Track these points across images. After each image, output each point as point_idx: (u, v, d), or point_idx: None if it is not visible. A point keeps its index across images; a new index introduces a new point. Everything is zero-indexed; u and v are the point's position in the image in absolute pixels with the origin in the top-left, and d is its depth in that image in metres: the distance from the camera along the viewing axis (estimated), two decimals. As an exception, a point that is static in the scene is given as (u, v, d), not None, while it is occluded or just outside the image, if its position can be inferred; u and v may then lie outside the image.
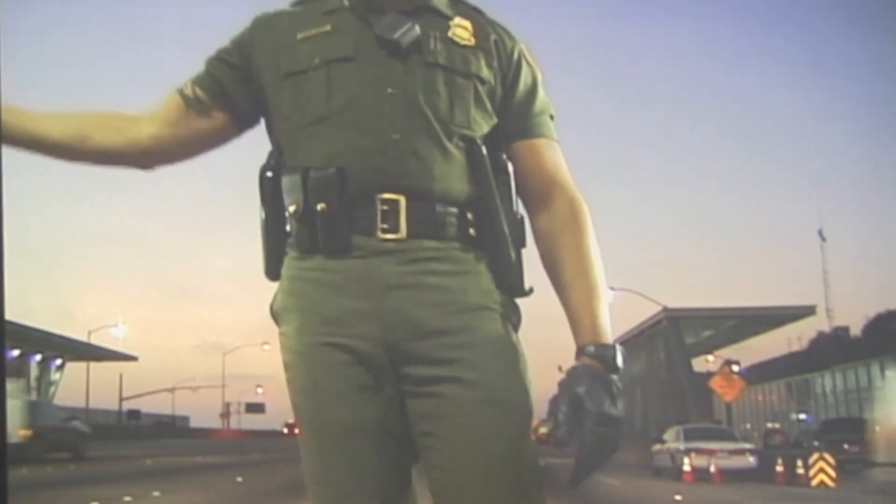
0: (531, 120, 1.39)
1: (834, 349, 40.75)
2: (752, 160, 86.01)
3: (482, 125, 1.34)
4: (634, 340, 44.75)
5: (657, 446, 20.49)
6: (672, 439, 19.86)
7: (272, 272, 1.40)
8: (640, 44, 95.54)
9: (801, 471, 15.88)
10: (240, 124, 1.42)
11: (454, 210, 1.31)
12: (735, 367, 25.72)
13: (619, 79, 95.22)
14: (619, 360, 1.26)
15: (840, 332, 49.05)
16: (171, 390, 55.97)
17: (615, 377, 1.25)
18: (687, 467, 17.89)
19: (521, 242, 1.37)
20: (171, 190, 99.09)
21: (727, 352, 40.60)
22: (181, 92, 1.39)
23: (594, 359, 1.26)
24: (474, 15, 1.40)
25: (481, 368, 1.26)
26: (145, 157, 1.40)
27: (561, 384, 1.25)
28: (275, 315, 1.37)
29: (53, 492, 11.21)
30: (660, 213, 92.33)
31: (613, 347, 1.27)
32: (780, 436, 26.70)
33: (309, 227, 1.29)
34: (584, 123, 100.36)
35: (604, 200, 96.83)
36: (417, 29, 1.32)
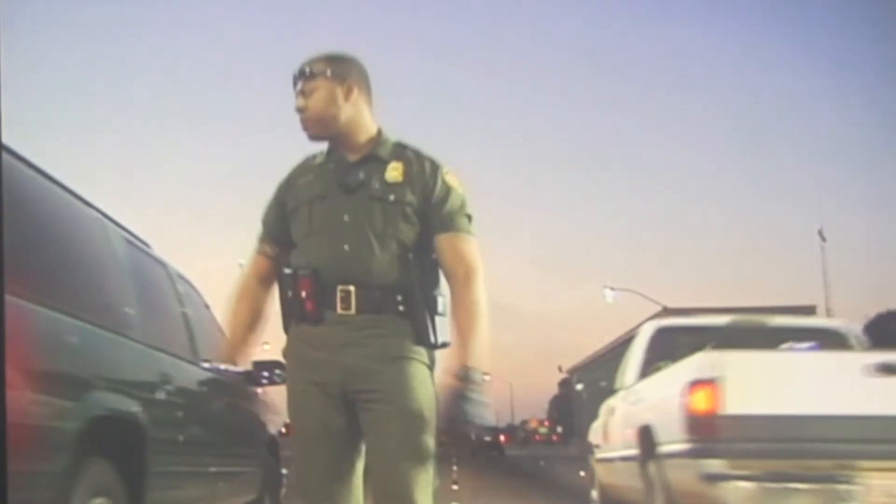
0: (447, 220, 2.05)
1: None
2: (753, 160, 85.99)
3: (408, 234, 2.03)
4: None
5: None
6: (672, 439, 19.73)
7: (286, 330, 2.11)
8: (640, 44, 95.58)
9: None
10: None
11: (387, 293, 1.99)
12: (735, 367, 25.54)
13: (619, 78, 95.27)
14: (477, 378, 1.94)
15: (840, 332, 48.89)
16: (171, 390, 55.68)
17: (475, 389, 1.93)
18: (687, 467, 17.79)
19: (435, 312, 2.04)
20: (172, 190, 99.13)
21: (727, 352, 40.38)
22: (257, 252, 2.21)
23: (459, 378, 1.94)
24: (408, 155, 2.09)
25: (395, 393, 1.97)
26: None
27: (447, 399, 1.94)
28: (284, 356, 2.12)
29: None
30: (660, 213, 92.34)
31: (474, 368, 1.95)
32: None
33: (298, 306, 2.04)
34: (585, 123, 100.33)
35: (604, 200, 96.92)
36: (362, 174, 2.05)
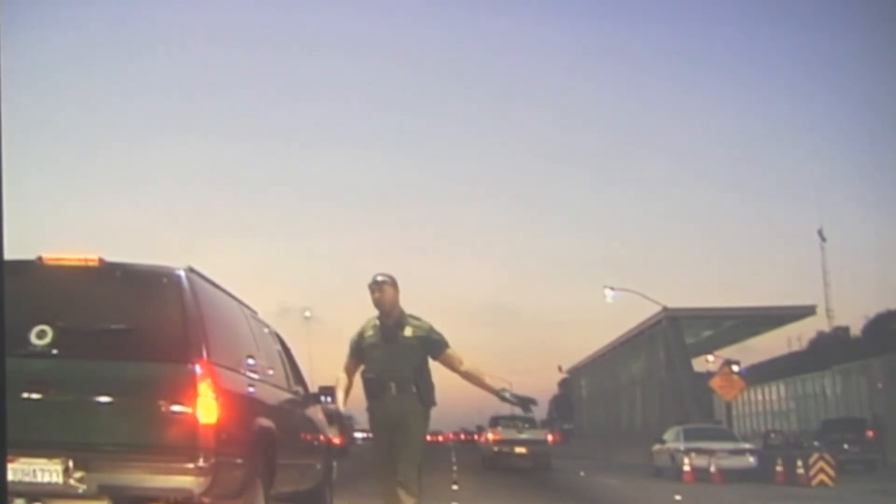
0: (439, 347, 5.55)
1: (834, 349, 40.67)
2: (752, 160, 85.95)
3: (416, 359, 5.48)
4: (634, 340, 44.71)
5: (657, 446, 20.50)
6: (672, 439, 19.88)
7: (367, 400, 5.56)
8: (639, 44, 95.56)
9: (800, 471, 15.89)
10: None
11: (409, 384, 5.45)
12: (735, 367, 25.70)
13: (618, 78, 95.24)
14: (507, 394, 5.95)
15: (840, 332, 48.91)
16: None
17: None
18: (687, 467, 17.92)
19: (429, 390, 5.55)
20: (172, 190, 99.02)
21: (727, 352, 40.40)
22: (348, 359, 5.62)
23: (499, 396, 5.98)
24: (414, 322, 5.52)
25: (410, 425, 5.44)
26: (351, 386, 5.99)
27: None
28: (368, 412, 5.62)
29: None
30: (660, 213, 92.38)
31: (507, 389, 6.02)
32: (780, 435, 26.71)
33: (372, 390, 5.50)
34: (585, 123, 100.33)
35: (604, 200, 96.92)
36: (393, 333, 5.48)
